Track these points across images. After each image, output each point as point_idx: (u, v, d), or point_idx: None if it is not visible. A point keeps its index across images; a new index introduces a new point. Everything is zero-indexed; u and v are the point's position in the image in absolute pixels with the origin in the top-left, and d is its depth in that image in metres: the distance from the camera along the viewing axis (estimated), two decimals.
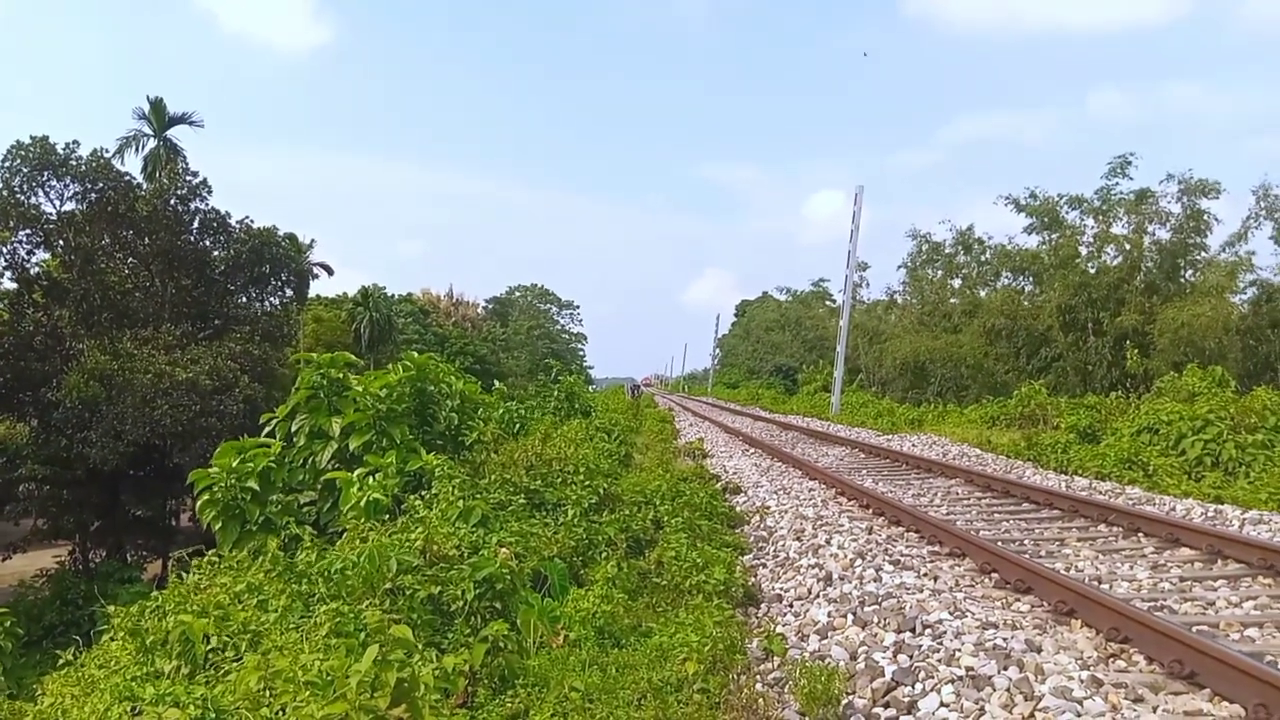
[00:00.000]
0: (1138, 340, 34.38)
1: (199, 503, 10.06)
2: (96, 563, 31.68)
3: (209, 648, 5.84)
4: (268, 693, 4.51)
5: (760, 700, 5.04)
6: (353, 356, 12.24)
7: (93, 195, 33.57)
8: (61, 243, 33.42)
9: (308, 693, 3.95)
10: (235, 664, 5.39)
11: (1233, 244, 35.50)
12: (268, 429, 11.51)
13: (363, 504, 8.86)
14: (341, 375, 11.52)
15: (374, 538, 6.65)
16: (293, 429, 11.23)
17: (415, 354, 12.85)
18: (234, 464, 10.14)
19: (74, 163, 33.27)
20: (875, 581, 7.32)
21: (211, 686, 5.07)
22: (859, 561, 8.10)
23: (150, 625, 6.42)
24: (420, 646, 4.81)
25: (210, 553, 8.83)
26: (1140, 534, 9.48)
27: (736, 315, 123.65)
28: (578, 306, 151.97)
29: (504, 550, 6.73)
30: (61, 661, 7.41)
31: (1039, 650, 5.50)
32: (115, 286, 34.25)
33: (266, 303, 40.32)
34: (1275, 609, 6.77)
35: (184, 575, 8.38)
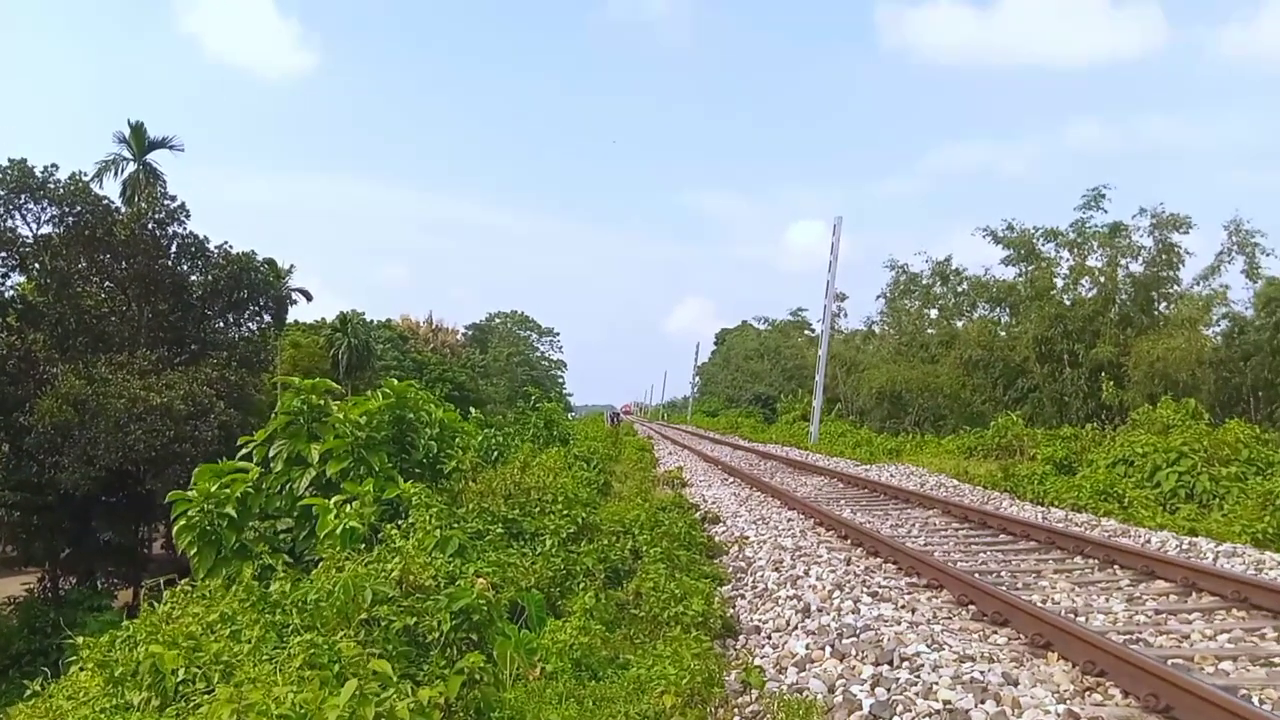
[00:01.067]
0: (1113, 372, 34.68)
1: (175, 527, 9.93)
2: (66, 590, 31.24)
3: (179, 679, 5.75)
4: None
5: None
6: (332, 383, 12.16)
7: (70, 219, 33.38)
8: (37, 266, 33.20)
9: None
10: (207, 696, 5.32)
11: (1206, 277, 35.92)
12: (244, 452, 11.38)
13: (339, 532, 8.77)
14: (322, 401, 11.43)
15: (350, 567, 6.58)
16: (270, 454, 11.12)
17: (395, 381, 12.77)
18: (212, 489, 10.02)
19: (52, 186, 33.11)
20: (853, 613, 7.32)
21: (182, 719, 4.99)
22: (837, 593, 8.10)
23: (120, 656, 6.32)
24: (395, 679, 4.76)
25: (184, 581, 8.73)
26: (1116, 566, 9.53)
27: (716, 343, 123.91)
28: (558, 334, 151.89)
29: (481, 581, 6.68)
30: (29, 692, 7.30)
31: (1016, 683, 5.51)
32: (91, 310, 34.00)
33: (244, 328, 40.11)
34: (1249, 642, 6.82)
35: (155, 604, 8.28)
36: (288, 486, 10.77)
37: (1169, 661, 6.02)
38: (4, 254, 32.68)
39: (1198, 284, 36.27)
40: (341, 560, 7.13)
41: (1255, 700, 5.43)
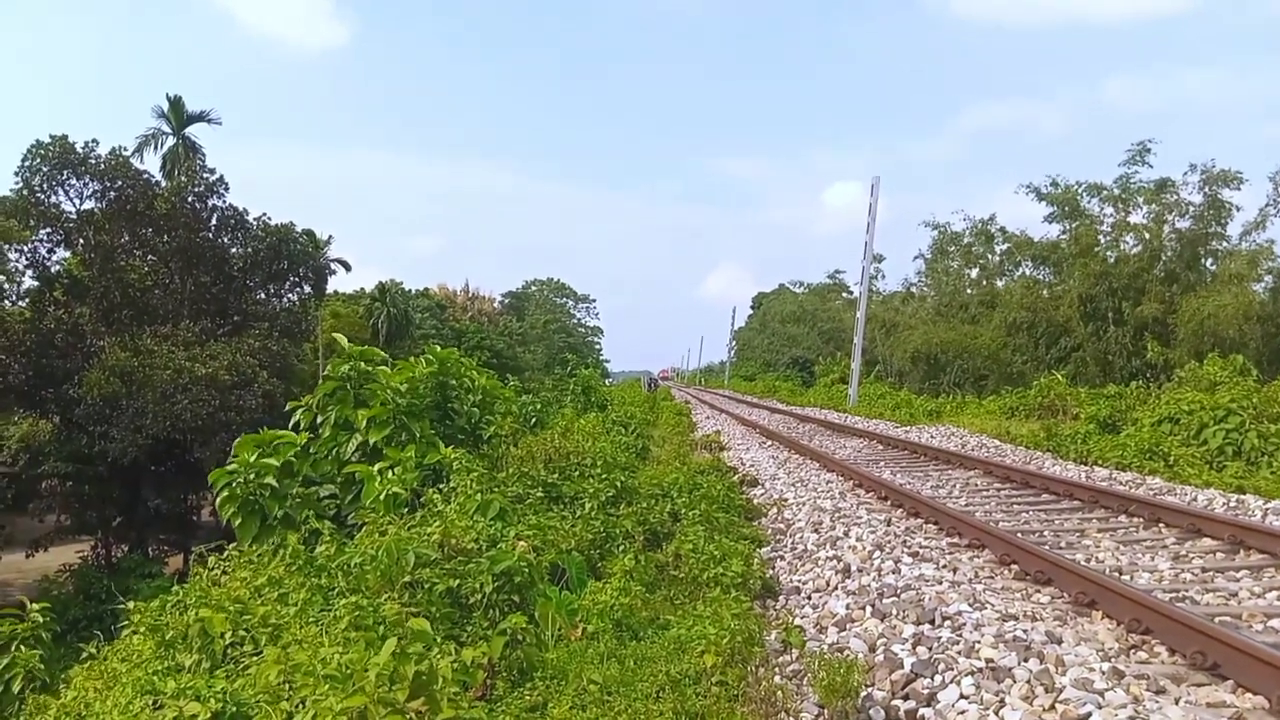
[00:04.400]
0: (1157, 330, 34.11)
1: (219, 499, 10.09)
2: (118, 558, 32.02)
3: (228, 642, 5.88)
4: (287, 686, 4.53)
5: (779, 692, 5.03)
6: (379, 351, 12.27)
7: (112, 193, 33.86)
8: (81, 241, 33.75)
9: (327, 686, 3.96)
10: (255, 658, 5.43)
11: (1250, 231, 35.16)
12: (295, 418, 11.49)
13: (383, 497, 8.88)
14: (370, 368, 11.52)
15: (393, 531, 6.67)
16: (318, 420, 11.24)
17: (438, 348, 12.85)
18: (252, 459, 10.14)
19: (93, 161, 33.55)
20: (894, 573, 7.30)
21: (232, 680, 5.10)
22: (877, 553, 8.08)
23: (171, 620, 6.47)
24: (439, 639, 4.82)
25: (230, 547, 8.89)
26: (1161, 524, 9.41)
27: (753, 308, 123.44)
28: (594, 300, 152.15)
29: (522, 543, 6.74)
30: (85, 655, 7.50)
31: (1059, 642, 5.47)
32: (135, 284, 34.54)
33: (284, 299, 40.57)
34: None
35: (204, 568, 8.46)
36: (334, 451, 10.90)
37: (1216, 619, 5.95)
38: (49, 229, 33.24)
39: (1243, 239, 35.56)
40: (385, 524, 7.23)
41: None
